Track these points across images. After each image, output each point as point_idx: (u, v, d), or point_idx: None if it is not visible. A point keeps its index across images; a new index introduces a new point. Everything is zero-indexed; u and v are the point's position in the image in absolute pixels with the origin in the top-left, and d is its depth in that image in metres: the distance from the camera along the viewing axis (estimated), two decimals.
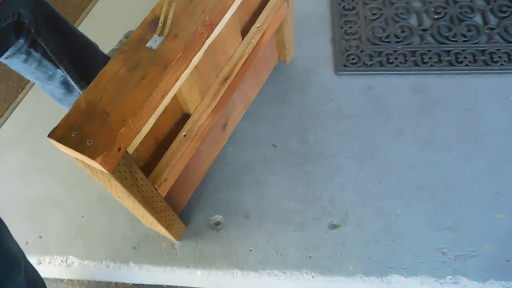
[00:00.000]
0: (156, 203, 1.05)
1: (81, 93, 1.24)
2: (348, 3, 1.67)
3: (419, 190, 1.32)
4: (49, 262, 1.34)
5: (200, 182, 1.38)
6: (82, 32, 1.24)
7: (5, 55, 1.02)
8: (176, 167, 1.06)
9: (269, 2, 1.25)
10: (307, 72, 1.56)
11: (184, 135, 1.08)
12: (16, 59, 1.05)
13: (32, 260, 1.35)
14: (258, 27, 1.21)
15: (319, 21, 1.67)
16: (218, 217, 1.34)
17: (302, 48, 1.61)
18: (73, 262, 1.33)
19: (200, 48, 0.93)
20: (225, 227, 1.32)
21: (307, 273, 1.23)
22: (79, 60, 1.16)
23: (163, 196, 1.09)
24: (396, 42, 1.57)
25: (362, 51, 1.56)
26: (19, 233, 1.39)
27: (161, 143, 1.09)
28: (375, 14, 1.64)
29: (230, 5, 0.98)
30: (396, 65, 1.52)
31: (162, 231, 1.24)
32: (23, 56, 1.04)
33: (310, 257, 1.26)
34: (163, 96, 0.87)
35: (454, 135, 1.39)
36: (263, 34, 1.23)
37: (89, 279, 1.43)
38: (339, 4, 1.67)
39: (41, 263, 1.35)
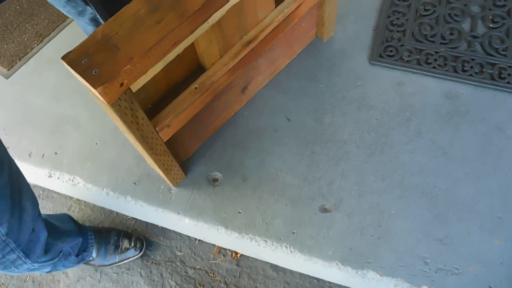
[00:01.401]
0: (156, 145, 1.10)
1: None
2: None
3: (420, 196, 1.30)
4: (58, 178, 1.45)
5: (209, 137, 1.42)
6: None
7: None
8: (181, 116, 1.10)
9: None
10: (341, 54, 1.53)
11: (195, 88, 1.11)
12: None
13: (44, 172, 1.46)
14: None
15: (368, 6, 1.62)
16: (217, 174, 1.38)
17: (343, 30, 1.57)
18: (78, 183, 1.43)
19: (222, 5, 0.94)
20: (222, 184, 1.37)
21: (286, 247, 1.27)
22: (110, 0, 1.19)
23: (164, 141, 1.13)
24: (441, 43, 1.50)
25: (402, 45, 1.51)
26: (39, 145, 1.51)
27: (173, 91, 1.13)
28: (427, 10, 1.57)
29: None
30: (434, 67, 1.46)
31: (161, 174, 1.29)
32: None
33: (294, 233, 1.28)
34: (175, 44, 0.90)
35: (474, 150, 1.35)
36: (299, 6, 1.22)
37: (91, 202, 1.53)
38: None
39: (51, 176, 1.45)
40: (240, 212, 1.32)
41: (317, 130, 1.42)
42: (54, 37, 1.73)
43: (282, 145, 1.40)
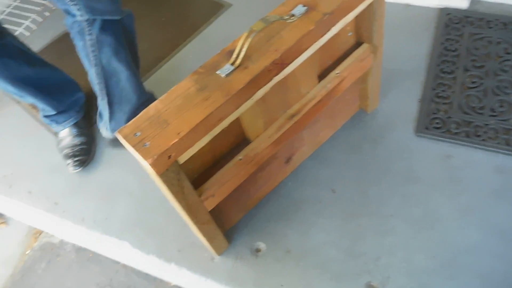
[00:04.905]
0: (200, 214, 1.13)
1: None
2: (448, 66, 1.62)
3: (475, 277, 1.21)
4: (107, 242, 1.50)
5: (253, 207, 1.43)
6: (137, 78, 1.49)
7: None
8: (225, 186, 1.13)
9: (355, 51, 1.28)
10: (386, 126, 1.54)
11: (240, 159, 1.14)
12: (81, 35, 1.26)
13: (93, 237, 1.52)
14: (337, 74, 1.25)
15: (413, 79, 1.64)
16: (261, 244, 1.37)
17: (387, 102, 1.59)
18: (126, 248, 1.47)
19: (266, 83, 1.00)
20: (265, 255, 1.35)
21: None
22: (111, 80, 1.38)
23: (209, 210, 1.16)
24: (490, 115, 1.47)
25: (449, 117, 1.49)
26: (93, 210, 1.58)
27: (218, 162, 1.17)
28: (474, 82, 1.56)
29: (305, 49, 1.03)
30: (483, 140, 1.42)
31: (205, 242, 1.31)
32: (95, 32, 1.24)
33: None
34: (220, 120, 0.96)
35: None
36: (341, 81, 1.26)
37: (136, 268, 1.56)
38: (438, 65, 1.63)
39: (101, 241, 1.51)
40: (283, 286, 1.29)
41: (362, 203, 1.39)
42: None
43: (326, 217, 1.38)
